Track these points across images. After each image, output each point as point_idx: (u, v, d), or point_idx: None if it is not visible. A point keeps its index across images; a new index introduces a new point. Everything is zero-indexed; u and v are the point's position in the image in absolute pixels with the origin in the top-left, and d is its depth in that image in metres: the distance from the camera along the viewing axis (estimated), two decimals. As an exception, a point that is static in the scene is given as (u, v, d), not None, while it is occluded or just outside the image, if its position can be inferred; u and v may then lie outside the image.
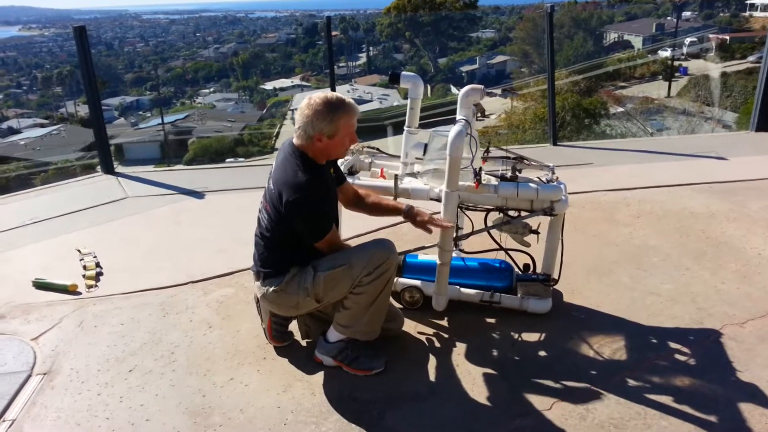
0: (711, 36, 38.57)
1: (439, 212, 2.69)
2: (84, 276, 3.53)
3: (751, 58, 28.85)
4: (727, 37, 37.80)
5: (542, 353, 2.72)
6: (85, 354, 2.79)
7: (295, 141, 2.49)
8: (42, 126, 39.36)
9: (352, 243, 2.66)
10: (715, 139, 8.08)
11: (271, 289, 2.53)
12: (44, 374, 2.66)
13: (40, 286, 3.44)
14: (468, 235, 2.96)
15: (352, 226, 3.63)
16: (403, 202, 2.81)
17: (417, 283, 3.02)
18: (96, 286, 3.44)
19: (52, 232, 4.29)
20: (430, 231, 2.65)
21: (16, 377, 2.63)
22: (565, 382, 2.49)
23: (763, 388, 2.42)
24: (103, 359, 2.75)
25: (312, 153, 2.47)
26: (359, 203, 2.81)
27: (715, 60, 32.56)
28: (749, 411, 2.30)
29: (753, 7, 45.70)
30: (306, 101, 2.44)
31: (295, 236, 2.47)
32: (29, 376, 2.65)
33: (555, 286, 3.04)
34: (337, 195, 2.71)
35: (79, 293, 3.36)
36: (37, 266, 3.68)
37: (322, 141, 2.42)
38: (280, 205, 2.40)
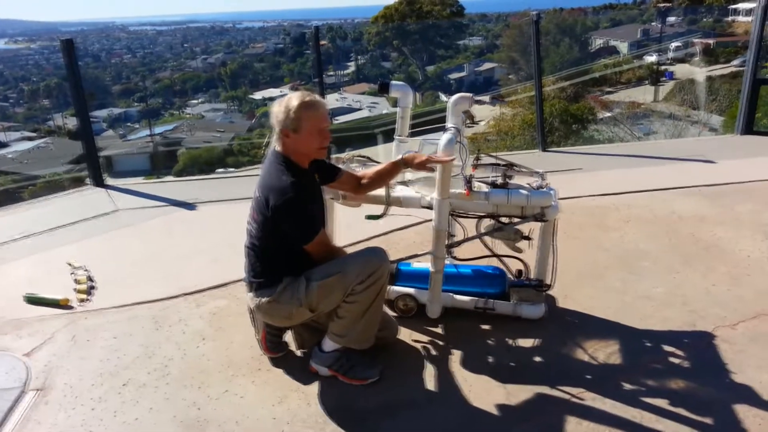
0: (696, 41, 39.03)
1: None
2: (76, 290, 3.50)
3: (735, 62, 29.20)
4: (712, 42, 38.25)
5: (537, 359, 2.73)
6: (78, 369, 2.77)
7: (276, 147, 2.53)
8: (30, 139, 39.08)
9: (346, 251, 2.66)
10: (702, 142, 8.16)
11: (264, 300, 2.53)
12: (37, 390, 2.63)
13: (32, 300, 3.41)
14: (460, 242, 2.98)
15: (345, 234, 3.62)
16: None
17: (411, 291, 3.03)
18: (88, 299, 3.42)
19: (42, 246, 4.26)
20: (432, 170, 2.64)
21: (9, 393, 2.60)
22: (560, 387, 2.50)
23: (756, 390, 2.45)
24: (96, 374, 2.73)
25: (293, 156, 2.50)
26: (364, 185, 2.82)
27: (700, 64, 32.89)
28: (743, 412, 2.32)
29: (736, 12, 46.28)
30: (275, 102, 2.51)
31: (285, 243, 2.47)
32: (22, 392, 2.62)
33: (548, 292, 3.05)
34: (323, 200, 2.73)
35: (71, 307, 3.34)
36: (28, 281, 3.66)
37: (289, 137, 2.46)
38: (267, 210, 2.41)
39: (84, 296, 3.43)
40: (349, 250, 2.68)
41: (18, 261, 4.03)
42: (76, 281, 3.59)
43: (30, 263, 3.99)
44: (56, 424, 2.42)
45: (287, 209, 2.38)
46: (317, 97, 2.51)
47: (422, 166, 2.65)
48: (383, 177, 2.81)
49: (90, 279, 3.63)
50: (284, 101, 2.48)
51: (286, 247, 2.48)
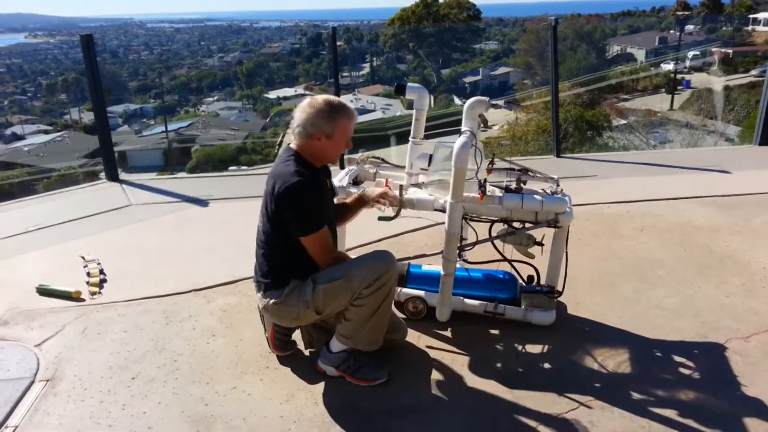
0: (714, 50, 38.67)
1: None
2: (88, 283, 3.53)
3: (754, 72, 28.91)
4: (730, 51, 37.92)
5: (546, 365, 2.71)
6: (88, 361, 2.79)
7: (292, 144, 2.53)
8: (46, 132, 39.53)
9: (354, 254, 2.65)
10: (718, 152, 8.08)
11: (271, 301, 2.53)
12: (47, 381, 2.66)
13: (44, 292, 3.44)
14: (472, 246, 2.96)
15: (356, 235, 3.63)
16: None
17: (421, 293, 3.02)
18: (100, 293, 3.44)
19: (56, 239, 4.29)
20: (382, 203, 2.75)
21: (19, 383, 2.63)
22: (569, 395, 2.48)
23: (767, 403, 2.41)
24: (105, 366, 2.75)
25: (308, 154, 2.50)
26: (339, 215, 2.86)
27: (718, 73, 32.62)
28: (754, 426, 2.29)
29: (756, 21, 45.85)
30: (308, 100, 2.50)
31: (292, 242, 2.45)
32: (32, 383, 2.64)
33: (559, 298, 3.03)
34: (332, 205, 2.73)
35: (83, 300, 3.37)
36: (41, 273, 3.69)
37: (321, 140, 2.46)
38: (273, 198, 2.41)
39: (96, 289, 3.45)
40: (359, 252, 2.68)
41: (32, 253, 4.07)
42: (89, 274, 3.62)
43: (43, 255, 4.03)
44: (65, 415, 2.44)
45: (290, 195, 2.37)
46: (350, 104, 2.53)
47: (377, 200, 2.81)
48: (350, 210, 2.87)
49: (102, 272, 3.66)
50: (320, 104, 2.45)
51: (293, 247, 2.47)
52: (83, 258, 3.85)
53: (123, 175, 6.08)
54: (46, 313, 3.23)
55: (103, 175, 5.89)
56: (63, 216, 4.75)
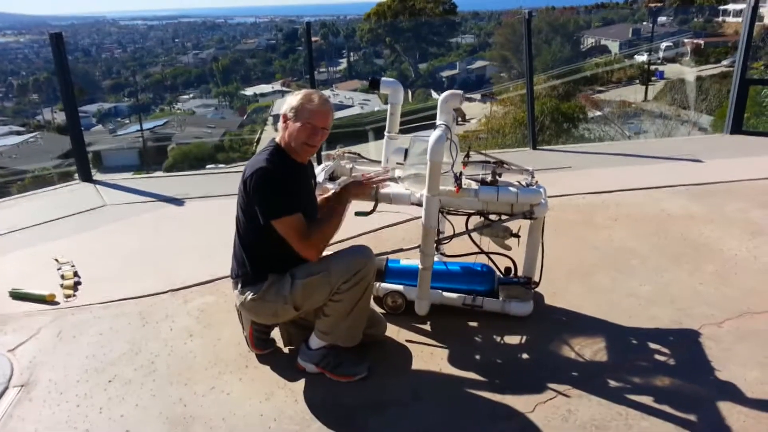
0: (686, 41, 39.25)
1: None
2: (62, 285, 3.47)
3: (725, 62, 29.41)
4: (702, 42, 38.50)
5: (524, 356, 2.73)
6: (64, 365, 2.75)
7: (276, 138, 2.54)
8: (18, 134, 38.71)
9: (331, 249, 2.63)
10: (691, 142, 8.21)
11: (249, 297, 2.51)
12: (21, 386, 2.61)
13: (17, 296, 3.38)
14: (449, 239, 2.98)
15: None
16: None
17: (399, 287, 3.02)
18: (74, 295, 3.39)
19: (29, 241, 4.22)
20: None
21: (-8, 390, 2.58)
22: (547, 384, 2.50)
23: (740, 387, 2.46)
24: (81, 370, 2.71)
25: (285, 144, 2.49)
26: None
27: (691, 64, 33.11)
28: (728, 410, 2.34)
29: (726, 12, 46.57)
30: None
31: (269, 237, 2.43)
32: (6, 389, 2.59)
33: (536, 289, 3.06)
34: (315, 201, 2.71)
35: (57, 303, 3.31)
36: (14, 276, 3.62)
37: (287, 123, 2.47)
38: (243, 186, 2.42)
39: (70, 292, 3.40)
40: (337, 247, 2.66)
41: (4, 256, 4.00)
42: (63, 277, 3.56)
43: (16, 258, 3.95)
44: (40, 420, 2.40)
45: (257, 180, 2.36)
46: (328, 99, 2.51)
47: (366, 189, 2.77)
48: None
49: (76, 274, 3.61)
50: (301, 90, 2.54)
51: (270, 241, 2.44)
52: (57, 260, 3.79)
53: (98, 176, 5.99)
54: (20, 317, 3.18)
55: (77, 175, 5.79)
56: (36, 218, 4.66)
